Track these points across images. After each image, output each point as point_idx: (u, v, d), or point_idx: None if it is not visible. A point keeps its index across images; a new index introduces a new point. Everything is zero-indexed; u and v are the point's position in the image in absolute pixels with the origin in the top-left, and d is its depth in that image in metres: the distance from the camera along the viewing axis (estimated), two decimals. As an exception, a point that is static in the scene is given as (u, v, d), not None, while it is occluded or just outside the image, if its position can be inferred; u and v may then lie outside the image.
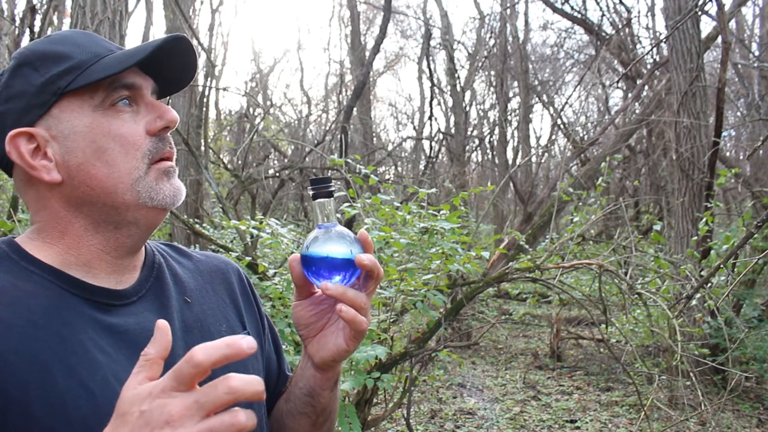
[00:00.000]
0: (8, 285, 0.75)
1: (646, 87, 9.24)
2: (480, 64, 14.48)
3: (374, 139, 15.43)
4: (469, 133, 13.64)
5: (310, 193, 0.84)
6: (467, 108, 13.87)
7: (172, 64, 0.87)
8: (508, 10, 12.14)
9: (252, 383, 0.55)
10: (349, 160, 4.06)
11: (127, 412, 0.57)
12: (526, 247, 4.84)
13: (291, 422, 0.98)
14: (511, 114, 14.69)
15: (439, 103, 15.81)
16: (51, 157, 0.80)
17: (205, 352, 0.56)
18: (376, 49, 9.06)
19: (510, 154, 14.65)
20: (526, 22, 13.96)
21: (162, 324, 0.62)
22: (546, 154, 14.39)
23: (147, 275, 0.89)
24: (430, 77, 13.35)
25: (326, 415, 0.97)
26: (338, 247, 0.81)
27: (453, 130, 12.55)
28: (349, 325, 0.81)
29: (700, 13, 6.05)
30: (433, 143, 13.26)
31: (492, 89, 15.03)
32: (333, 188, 0.84)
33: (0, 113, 0.81)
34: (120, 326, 0.80)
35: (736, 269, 4.61)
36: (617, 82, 10.75)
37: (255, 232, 3.62)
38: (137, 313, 0.83)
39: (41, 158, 0.80)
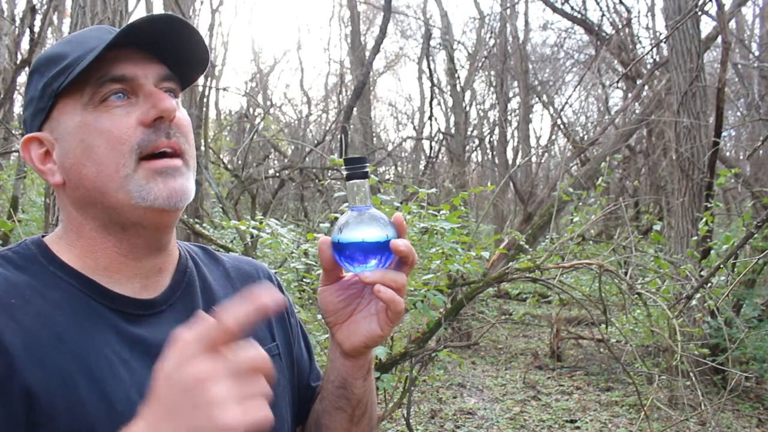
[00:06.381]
0: (35, 294, 0.74)
1: (646, 87, 9.23)
2: (480, 64, 14.49)
3: (374, 139, 15.42)
4: (469, 133, 13.64)
5: (344, 173, 0.80)
6: (467, 108, 13.88)
7: (173, 46, 0.80)
8: (508, 10, 12.14)
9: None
10: (349, 160, 4.06)
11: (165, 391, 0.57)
12: (526, 247, 4.84)
13: (328, 420, 0.93)
14: (511, 114, 14.70)
15: (439, 103, 15.82)
16: (55, 159, 0.80)
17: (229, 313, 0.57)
18: (376, 49, 9.06)
19: (510, 154, 14.69)
20: (526, 22, 14.00)
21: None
22: (546, 154, 14.39)
23: (178, 281, 0.86)
24: (430, 77, 13.35)
25: (363, 408, 0.92)
26: (373, 230, 0.78)
27: (453, 130, 12.56)
28: (388, 305, 0.79)
29: (700, 13, 6.04)
30: (433, 143, 13.26)
31: (492, 89, 15.05)
32: (368, 169, 0.81)
33: (23, 122, 0.84)
34: (146, 338, 0.77)
35: (736, 269, 4.61)
36: (617, 82, 10.75)
37: (255, 232, 3.62)
38: (166, 323, 0.80)
39: (49, 161, 0.81)
